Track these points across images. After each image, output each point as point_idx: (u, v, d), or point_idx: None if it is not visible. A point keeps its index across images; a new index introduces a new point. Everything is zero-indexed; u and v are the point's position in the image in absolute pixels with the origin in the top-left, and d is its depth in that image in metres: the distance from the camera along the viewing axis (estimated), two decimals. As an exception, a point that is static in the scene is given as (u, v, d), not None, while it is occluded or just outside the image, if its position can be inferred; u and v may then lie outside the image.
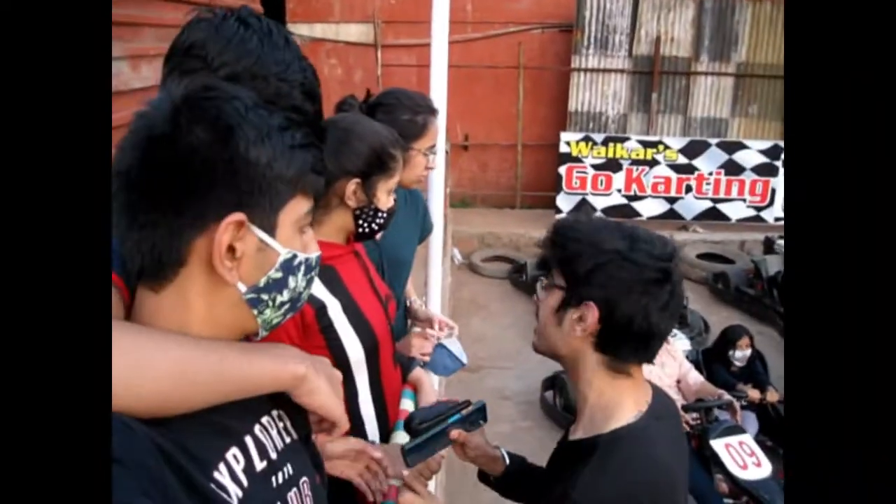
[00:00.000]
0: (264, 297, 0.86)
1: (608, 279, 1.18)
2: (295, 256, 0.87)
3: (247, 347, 0.88)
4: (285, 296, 0.89)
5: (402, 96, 2.15)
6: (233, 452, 0.85)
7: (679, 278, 1.22)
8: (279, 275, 0.86)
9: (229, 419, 0.86)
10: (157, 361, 0.76)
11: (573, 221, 1.28)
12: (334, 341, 1.59)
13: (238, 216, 0.79)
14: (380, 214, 1.68)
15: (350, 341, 1.61)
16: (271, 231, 0.84)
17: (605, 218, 1.30)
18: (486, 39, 9.60)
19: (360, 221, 1.67)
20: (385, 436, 1.75)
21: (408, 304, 2.28)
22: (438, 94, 2.52)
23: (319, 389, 0.94)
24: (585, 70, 9.40)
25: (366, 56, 9.57)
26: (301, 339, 1.54)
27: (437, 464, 1.58)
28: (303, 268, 0.89)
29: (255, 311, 0.87)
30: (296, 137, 0.85)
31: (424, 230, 2.43)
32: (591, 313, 1.19)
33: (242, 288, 0.84)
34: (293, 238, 0.87)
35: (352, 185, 1.61)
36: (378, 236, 1.76)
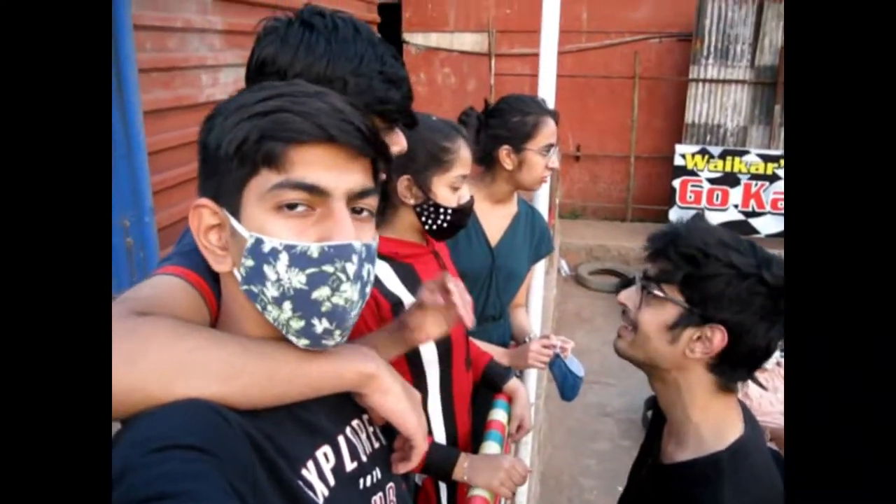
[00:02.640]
0: (254, 289, 0.79)
1: (742, 304, 1.12)
2: (259, 241, 0.76)
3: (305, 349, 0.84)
4: (273, 290, 0.77)
5: (513, 100, 2.19)
6: (324, 451, 0.85)
7: None
8: (251, 262, 0.78)
9: (320, 418, 0.87)
10: (211, 362, 0.75)
11: (703, 232, 1.19)
12: None
13: (200, 200, 0.81)
14: (443, 210, 1.65)
15: None
16: (236, 213, 0.79)
17: (725, 229, 1.23)
18: (601, 49, 9.45)
19: (424, 218, 1.65)
20: (452, 435, 1.76)
21: (525, 340, 2.25)
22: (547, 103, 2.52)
23: (393, 391, 0.92)
24: (704, 80, 9.09)
25: (479, 65, 9.61)
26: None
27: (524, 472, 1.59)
28: (284, 257, 0.76)
29: (259, 307, 0.80)
30: (252, 108, 0.77)
31: (540, 250, 2.41)
32: (719, 337, 1.14)
33: (238, 278, 0.80)
34: (265, 220, 0.77)
35: (403, 182, 1.62)
36: (454, 234, 1.74)
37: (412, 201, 1.64)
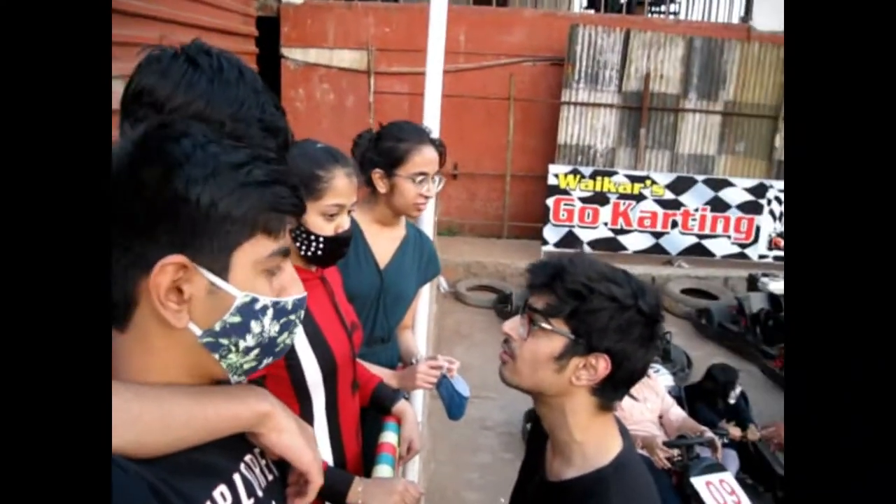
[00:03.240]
0: (223, 341, 0.83)
1: (623, 333, 1.20)
2: (255, 300, 0.83)
3: (198, 390, 0.84)
4: (251, 341, 0.85)
5: (394, 126, 2.21)
6: (220, 490, 0.84)
7: None
8: (237, 319, 0.82)
9: (214, 458, 0.85)
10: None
11: (580, 267, 1.25)
12: (292, 361, 1.62)
13: (174, 258, 0.76)
14: (314, 238, 1.66)
15: (309, 363, 1.64)
16: (223, 273, 0.80)
17: (602, 262, 1.29)
18: (479, 70, 9.70)
19: (298, 244, 1.65)
20: (340, 459, 1.77)
21: (413, 361, 2.27)
22: (432, 123, 2.55)
23: (288, 428, 0.93)
24: (575, 104, 9.51)
25: (359, 82, 9.63)
26: None
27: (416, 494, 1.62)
28: (270, 311, 0.85)
29: (217, 356, 0.83)
30: (252, 174, 0.81)
31: (428, 273, 2.44)
32: (603, 364, 1.21)
33: (197, 331, 0.81)
34: (255, 280, 0.83)
35: None
36: (332, 263, 1.75)
37: None
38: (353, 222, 2.14)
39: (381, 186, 2.16)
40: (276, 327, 0.87)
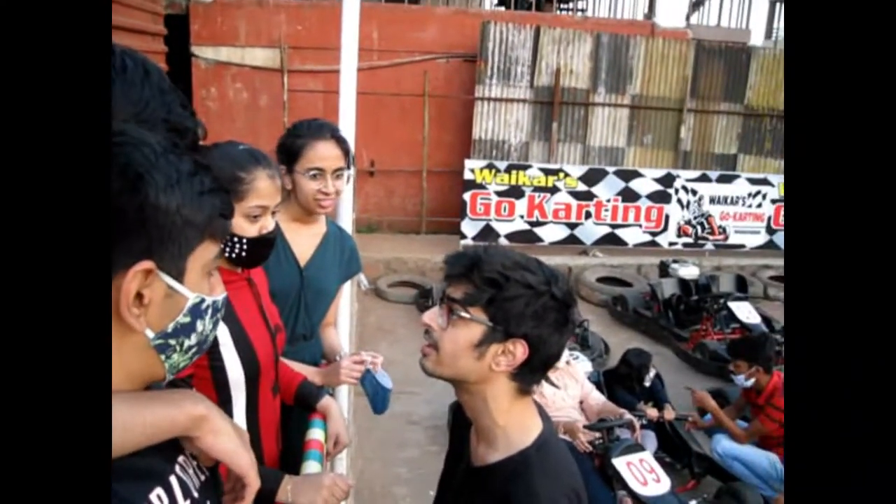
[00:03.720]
0: (172, 342, 0.86)
1: (539, 319, 1.24)
2: (203, 301, 0.87)
3: (134, 396, 0.85)
4: (193, 339, 0.88)
5: (297, 124, 2.22)
6: (157, 493, 0.84)
7: None
8: (187, 319, 0.86)
9: (149, 461, 0.85)
10: None
11: (495, 257, 1.29)
12: (216, 362, 1.62)
13: (146, 264, 0.78)
14: (238, 240, 1.66)
15: (232, 364, 1.64)
16: (179, 277, 0.83)
17: (516, 251, 1.34)
18: (392, 67, 9.71)
19: (222, 246, 1.66)
20: (258, 460, 1.76)
21: (337, 358, 2.27)
22: (347, 120, 2.55)
23: (224, 431, 0.93)
24: (489, 99, 9.64)
25: (272, 81, 9.49)
26: None
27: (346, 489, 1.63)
28: (210, 311, 0.89)
29: (163, 357, 0.86)
30: (204, 183, 0.84)
31: (350, 269, 2.44)
32: (521, 349, 1.25)
33: (150, 334, 0.83)
34: (201, 282, 0.87)
35: None
36: (257, 264, 1.76)
37: None
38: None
39: (287, 183, 2.15)
40: (211, 325, 0.91)
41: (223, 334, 1.63)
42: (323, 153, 2.14)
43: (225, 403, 1.65)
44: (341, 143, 2.20)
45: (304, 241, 2.25)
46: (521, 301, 1.24)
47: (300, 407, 2.01)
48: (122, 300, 0.77)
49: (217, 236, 0.87)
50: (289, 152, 2.15)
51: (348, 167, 2.23)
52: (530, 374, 1.30)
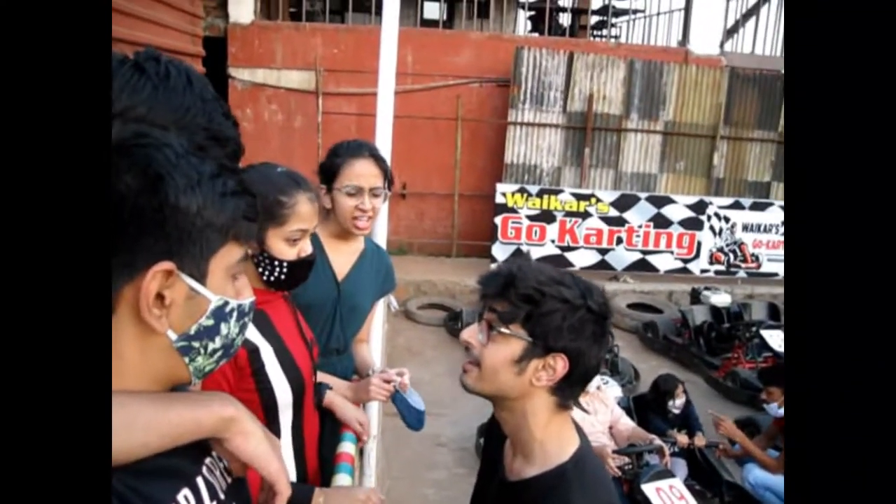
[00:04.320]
0: (195, 344, 0.85)
1: (577, 332, 1.25)
2: (227, 303, 0.87)
3: (159, 396, 0.85)
4: (217, 343, 0.88)
5: (337, 144, 2.23)
6: (184, 494, 0.85)
7: None
8: (210, 322, 0.86)
9: (177, 461, 0.86)
10: None
11: (529, 273, 1.30)
12: (264, 384, 1.63)
13: (166, 265, 0.78)
14: (278, 264, 1.68)
15: (279, 384, 1.65)
16: (202, 278, 0.83)
17: (548, 266, 1.35)
18: (426, 91, 9.80)
19: (261, 270, 1.67)
20: (303, 474, 1.79)
21: (370, 373, 2.29)
22: (383, 143, 2.59)
23: (254, 434, 0.93)
24: (521, 124, 9.68)
25: (307, 103, 9.64)
26: (236, 381, 1.56)
27: None
28: (235, 314, 0.89)
29: (187, 359, 0.86)
30: (227, 185, 0.84)
31: (385, 286, 2.47)
32: (561, 364, 1.25)
33: (173, 336, 0.83)
34: (225, 285, 0.87)
35: None
36: (295, 286, 1.77)
37: (249, 252, 1.65)
38: (313, 234, 2.17)
39: (326, 202, 2.18)
40: (237, 329, 0.90)
41: (267, 354, 1.62)
42: (360, 171, 2.16)
43: (271, 424, 1.65)
44: (379, 162, 2.22)
45: (342, 257, 2.28)
46: (559, 315, 1.25)
47: None
48: (142, 300, 0.78)
49: (241, 239, 0.88)
50: (328, 171, 2.19)
51: (386, 187, 2.25)
52: (570, 388, 1.30)
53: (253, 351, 1.59)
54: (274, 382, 1.64)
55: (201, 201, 0.81)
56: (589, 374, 1.31)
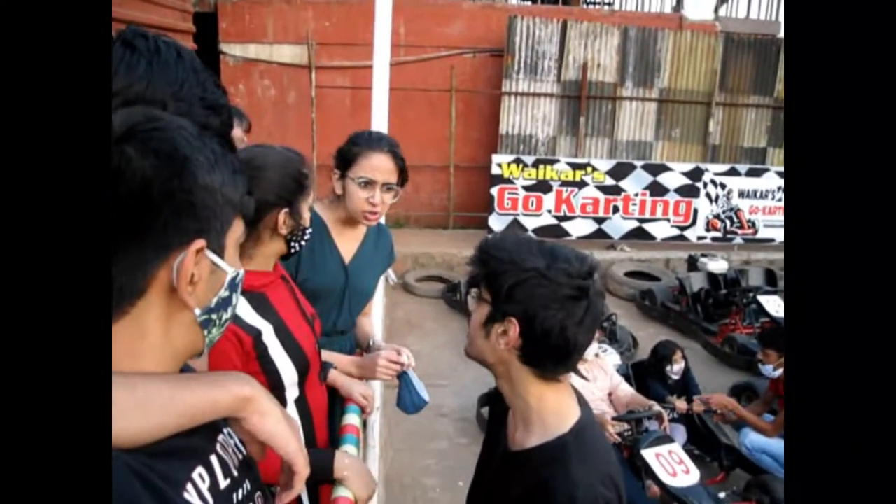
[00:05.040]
0: (213, 316, 0.88)
1: (527, 296, 1.25)
2: (238, 274, 0.91)
3: (175, 378, 0.85)
4: (228, 312, 0.91)
5: (357, 133, 2.24)
6: (199, 472, 0.85)
7: (596, 295, 1.29)
8: (227, 293, 0.89)
9: (190, 439, 0.86)
10: None
11: (498, 240, 1.34)
12: (269, 366, 1.64)
13: (200, 243, 0.81)
14: (306, 232, 1.75)
15: (284, 365, 1.66)
16: (221, 253, 0.86)
17: (529, 236, 1.36)
18: (419, 63, 9.74)
19: (293, 244, 1.73)
20: (312, 447, 1.80)
21: (370, 342, 2.31)
22: (380, 116, 2.58)
23: (272, 413, 0.94)
24: (516, 94, 9.64)
25: (299, 77, 9.57)
26: (244, 366, 1.58)
27: None
28: (240, 284, 0.93)
29: (205, 332, 0.88)
30: (234, 162, 0.88)
31: (387, 261, 2.50)
32: (513, 328, 1.27)
33: (197, 311, 0.85)
34: (234, 257, 0.90)
35: (282, 216, 1.67)
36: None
37: (287, 231, 1.68)
38: (320, 219, 2.18)
39: (337, 188, 2.19)
40: (236, 298, 0.93)
41: (269, 336, 1.64)
42: (376, 164, 2.17)
43: (279, 400, 1.68)
44: (397, 158, 2.22)
45: (348, 242, 2.29)
46: (508, 277, 1.27)
47: None
48: (181, 280, 0.80)
49: (243, 213, 0.90)
50: (344, 158, 2.20)
51: (400, 184, 2.25)
52: (537, 359, 1.31)
53: (256, 335, 1.60)
54: (279, 364, 1.66)
55: (221, 179, 0.84)
56: (552, 344, 1.27)
